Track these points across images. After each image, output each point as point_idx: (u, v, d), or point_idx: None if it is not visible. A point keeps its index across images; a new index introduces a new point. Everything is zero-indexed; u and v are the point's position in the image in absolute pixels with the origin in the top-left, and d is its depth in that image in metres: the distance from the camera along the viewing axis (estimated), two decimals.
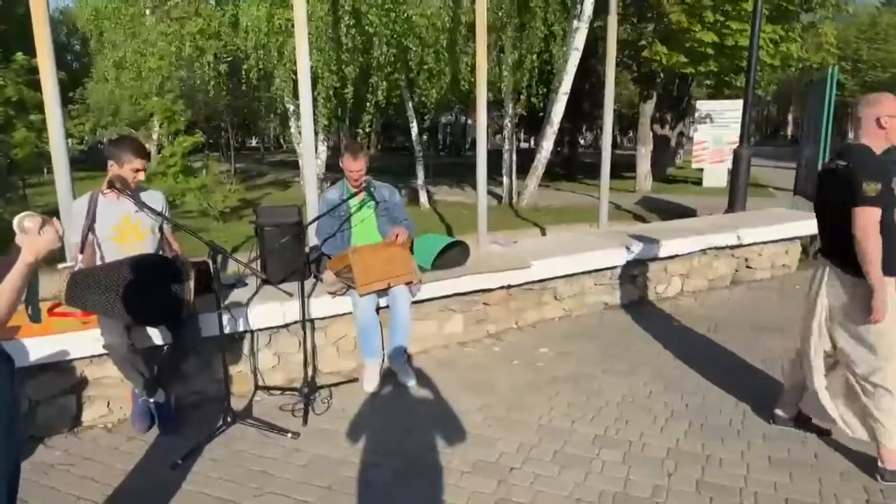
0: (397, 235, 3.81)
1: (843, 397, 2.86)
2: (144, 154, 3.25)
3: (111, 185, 3.16)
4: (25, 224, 1.73)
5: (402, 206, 4.25)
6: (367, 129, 12.39)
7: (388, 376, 3.88)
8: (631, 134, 42.86)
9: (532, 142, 29.98)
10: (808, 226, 6.04)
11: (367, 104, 11.76)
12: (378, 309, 3.88)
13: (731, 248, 5.94)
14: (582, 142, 39.86)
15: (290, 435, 3.16)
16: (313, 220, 4.00)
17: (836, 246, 2.78)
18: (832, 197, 2.78)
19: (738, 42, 12.81)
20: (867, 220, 2.56)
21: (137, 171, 3.20)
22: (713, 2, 12.72)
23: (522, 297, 4.82)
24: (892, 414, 2.67)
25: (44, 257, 1.75)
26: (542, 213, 12.04)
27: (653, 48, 13.78)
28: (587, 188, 16.46)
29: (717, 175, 15.93)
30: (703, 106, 16.58)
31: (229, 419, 3.22)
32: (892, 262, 2.60)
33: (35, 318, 2.10)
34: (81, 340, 3.12)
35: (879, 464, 2.71)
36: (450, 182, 18.66)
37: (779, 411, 3.19)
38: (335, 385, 3.75)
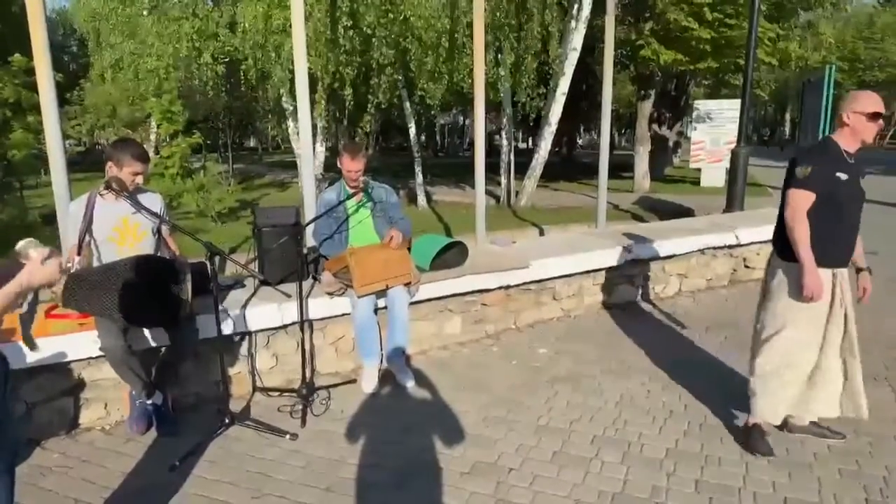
0: (391, 238, 3.80)
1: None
2: (145, 158, 3.25)
3: (108, 187, 3.15)
4: (30, 253, 1.67)
5: (399, 206, 4.25)
6: (368, 130, 12.39)
7: (386, 377, 3.87)
8: (629, 134, 42.93)
9: (530, 142, 29.99)
10: None
11: (369, 105, 11.76)
12: (376, 310, 3.88)
13: (730, 247, 5.94)
14: (580, 142, 39.93)
15: (288, 436, 3.15)
16: (311, 221, 3.99)
17: (775, 232, 2.97)
18: (783, 186, 2.91)
19: (735, 40, 12.81)
20: (795, 202, 2.73)
21: (136, 174, 3.19)
22: (712, 0, 12.73)
23: (521, 297, 4.81)
24: (767, 388, 2.91)
25: (38, 287, 1.69)
26: (540, 213, 12.04)
27: (650, 47, 13.79)
28: (585, 188, 16.47)
29: (715, 175, 15.95)
30: (701, 105, 16.59)
31: (227, 421, 3.22)
32: (827, 254, 2.73)
33: (31, 347, 2.08)
34: (79, 342, 3.12)
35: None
36: (448, 182, 18.67)
37: (793, 420, 3.12)
38: (334, 386, 3.75)
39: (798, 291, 2.75)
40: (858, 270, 2.95)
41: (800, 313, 2.80)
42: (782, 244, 2.86)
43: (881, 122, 2.73)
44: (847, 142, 2.76)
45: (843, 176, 2.69)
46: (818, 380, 2.88)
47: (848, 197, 2.74)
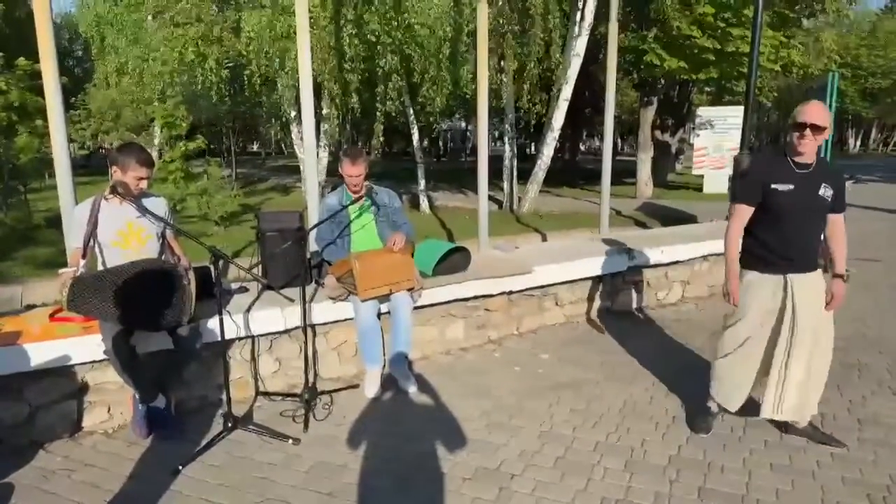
0: (394, 242, 3.81)
1: None
2: (149, 163, 3.26)
3: (114, 191, 3.17)
4: None
5: (402, 211, 4.25)
6: (382, 138, 12.43)
7: (389, 382, 3.87)
8: (631, 140, 42.96)
9: (532, 147, 30.03)
10: None
11: (378, 113, 11.80)
12: (379, 315, 3.88)
13: None
14: (582, 147, 39.97)
15: (290, 441, 3.15)
16: (314, 226, 4.00)
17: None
18: None
19: (738, 48, 12.86)
20: (731, 213, 3.01)
21: (141, 179, 3.21)
22: (715, 9, 12.77)
23: (523, 302, 4.82)
24: (715, 371, 3.18)
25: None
26: (542, 218, 12.04)
27: (654, 54, 13.83)
28: (588, 194, 16.49)
29: (717, 181, 15.97)
30: (703, 112, 16.62)
31: (230, 425, 3.22)
32: (770, 260, 2.92)
33: None
34: (82, 346, 3.12)
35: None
36: (450, 187, 18.69)
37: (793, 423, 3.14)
38: (336, 391, 3.75)
39: (745, 295, 3.01)
40: (835, 276, 2.96)
41: (748, 311, 3.00)
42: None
43: (809, 132, 2.75)
44: (792, 152, 2.85)
45: (781, 187, 2.81)
46: (765, 378, 3.03)
47: (789, 206, 2.83)
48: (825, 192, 2.84)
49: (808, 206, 2.84)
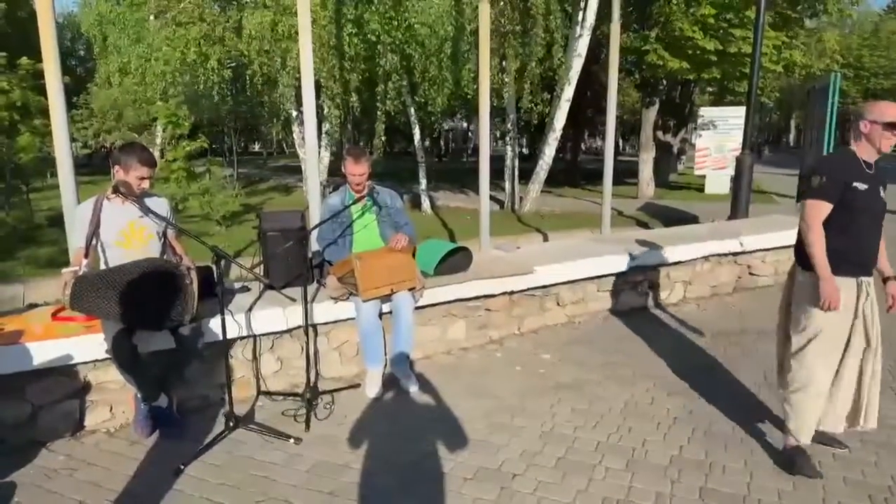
0: (397, 242, 3.82)
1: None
2: (151, 163, 3.27)
3: (116, 191, 3.17)
4: None
5: (404, 211, 4.26)
6: (383, 138, 12.42)
7: (390, 382, 3.87)
8: (633, 140, 42.92)
9: (534, 148, 30.01)
10: None
11: (378, 112, 11.80)
12: (381, 314, 3.88)
13: (734, 254, 5.94)
14: (584, 148, 39.92)
15: (292, 440, 3.16)
16: (316, 226, 4.01)
17: (797, 242, 2.93)
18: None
19: (741, 49, 12.85)
20: (809, 211, 2.73)
21: (143, 179, 3.22)
22: (716, 10, 12.76)
23: (525, 302, 4.82)
24: (798, 407, 2.84)
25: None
26: (544, 218, 12.04)
27: (656, 54, 13.82)
28: (589, 194, 16.48)
29: (719, 182, 15.95)
30: (705, 112, 16.60)
31: (231, 424, 3.22)
32: (847, 263, 2.72)
33: None
34: (85, 345, 3.13)
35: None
36: (452, 187, 18.69)
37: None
38: (337, 390, 3.75)
39: (817, 301, 2.72)
40: (885, 279, 2.89)
41: (823, 323, 2.76)
42: (802, 254, 2.83)
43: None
44: (864, 151, 2.75)
45: (860, 185, 2.68)
46: (833, 392, 2.85)
47: (864, 206, 2.72)
48: (883, 193, 2.78)
49: (878, 207, 2.77)
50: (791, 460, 2.85)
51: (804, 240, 2.76)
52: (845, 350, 2.79)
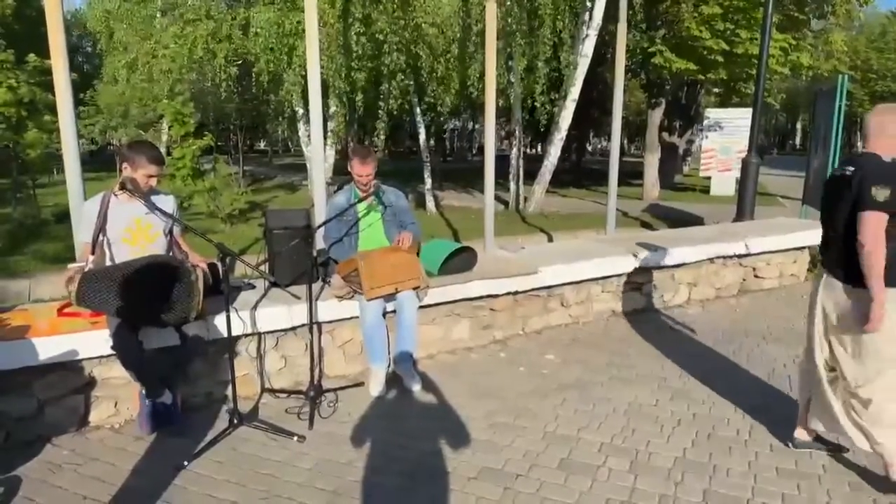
0: (401, 241, 3.83)
1: (843, 406, 2.80)
2: (160, 161, 3.29)
3: (123, 187, 3.19)
4: None
5: (409, 210, 4.26)
6: (383, 136, 12.42)
7: (393, 381, 3.88)
8: (638, 141, 42.85)
9: (539, 148, 29.98)
10: (817, 235, 5.92)
11: (380, 111, 11.81)
12: (385, 313, 3.89)
13: (739, 256, 5.92)
14: (589, 148, 39.90)
15: (295, 438, 3.16)
16: (321, 225, 4.01)
17: (838, 254, 2.72)
18: (838, 205, 2.70)
19: (747, 50, 12.81)
20: (876, 226, 2.50)
21: (150, 176, 3.24)
22: (724, 10, 12.72)
23: (529, 303, 4.81)
24: (890, 436, 2.63)
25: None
26: (548, 219, 12.02)
27: (662, 55, 13.79)
28: (594, 195, 16.45)
29: (725, 183, 15.91)
30: (711, 114, 16.55)
31: (235, 421, 3.23)
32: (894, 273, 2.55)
33: None
34: (90, 341, 3.14)
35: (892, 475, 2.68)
36: (456, 187, 18.69)
37: (798, 434, 3.07)
38: (341, 389, 3.76)
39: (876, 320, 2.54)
40: None
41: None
42: (852, 271, 2.62)
43: None
44: (886, 154, 2.63)
45: None
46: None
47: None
48: None
49: None
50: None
51: (867, 257, 2.50)
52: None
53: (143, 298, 2.94)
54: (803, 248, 6.37)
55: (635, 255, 5.22)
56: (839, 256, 2.71)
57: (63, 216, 5.82)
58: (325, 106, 12.17)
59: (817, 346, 2.86)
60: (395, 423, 3.40)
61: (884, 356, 2.62)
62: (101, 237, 3.24)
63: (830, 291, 2.78)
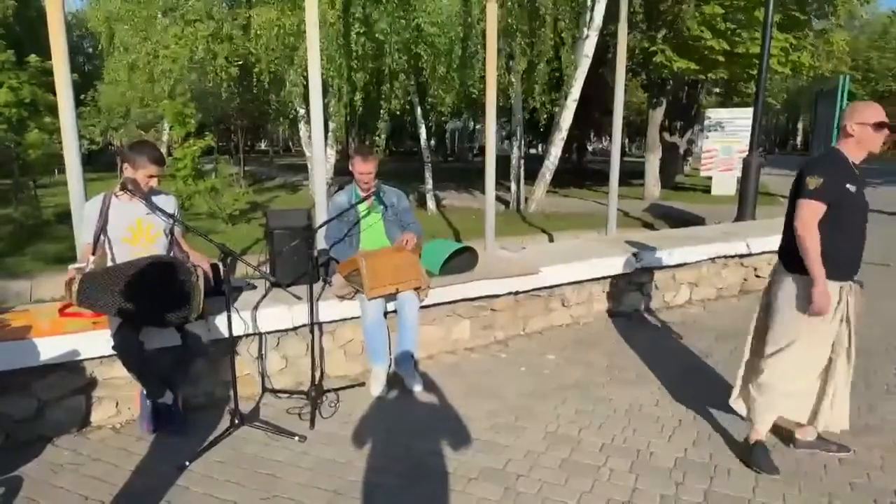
0: (406, 241, 3.84)
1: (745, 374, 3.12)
2: (161, 162, 3.30)
3: (124, 188, 3.19)
4: None
5: (410, 210, 4.27)
6: (383, 136, 12.43)
7: (394, 381, 3.88)
8: (639, 141, 42.82)
9: (540, 148, 29.97)
10: None
11: (381, 111, 11.81)
12: (386, 313, 3.89)
13: (741, 256, 5.92)
14: (590, 148, 39.87)
15: (297, 438, 3.17)
16: (322, 224, 4.02)
17: (785, 242, 2.89)
18: (790, 197, 2.87)
19: (748, 50, 12.80)
20: (806, 213, 2.68)
21: (151, 177, 3.24)
22: (725, 10, 12.71)
23: (530, 303, 4.81)
24: (766, 405, 2.89)
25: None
26: (549, 219, 12.02)
27: (664, 54, 13.78)
28: (595, 195, 16.44)
29: (726, 183, 15.90)
30: (712, 114, 16.55)
31: (236, 421, 3.23)
32: (836, 267, 2.69)
33: None
34: (91, 341, 3.14)
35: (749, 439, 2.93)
36: (457, 187, 18.68)
37: (800, 435, 3.08)
38: (342, 389, 3.76)
39: (806, 305, 2.72)
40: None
41: (809, 327, 2.77)
42: (789, 256, 2.82)
43: (887, 131, 2.72)
44: (853, 152, 2.76)
45: (851, 187, 2.68)
46: (829, 392, 2.87)
47: (855, 208, 2.73)
48: (866, 195, 2.78)
49: (865, 209, 2.77)
50: (752, 453, 2.91)
51: (800, 243, 2.69)
52: (833, 353, 2.83)
53: (144, 299, 2.94)
54: None
55: (636, 256, 5.22)
56: (785, 245, 2.89)
57: (64, 216, 5.83)
58: (326, 106, 12.17)
59: (753, 320, 3.13)
60: (396, 423, 3.40)
61: (786, 332, 2.83)
62: (102, 238, 3.25)
63: (777, 277, 2.96)
